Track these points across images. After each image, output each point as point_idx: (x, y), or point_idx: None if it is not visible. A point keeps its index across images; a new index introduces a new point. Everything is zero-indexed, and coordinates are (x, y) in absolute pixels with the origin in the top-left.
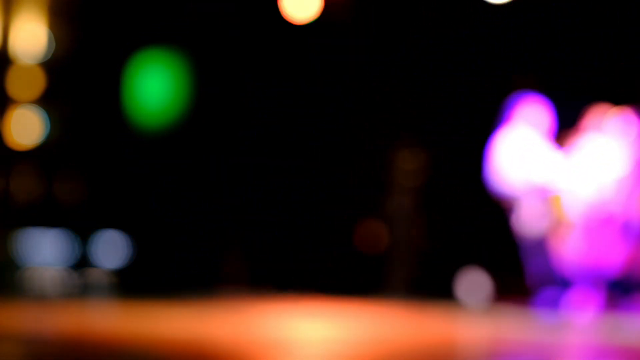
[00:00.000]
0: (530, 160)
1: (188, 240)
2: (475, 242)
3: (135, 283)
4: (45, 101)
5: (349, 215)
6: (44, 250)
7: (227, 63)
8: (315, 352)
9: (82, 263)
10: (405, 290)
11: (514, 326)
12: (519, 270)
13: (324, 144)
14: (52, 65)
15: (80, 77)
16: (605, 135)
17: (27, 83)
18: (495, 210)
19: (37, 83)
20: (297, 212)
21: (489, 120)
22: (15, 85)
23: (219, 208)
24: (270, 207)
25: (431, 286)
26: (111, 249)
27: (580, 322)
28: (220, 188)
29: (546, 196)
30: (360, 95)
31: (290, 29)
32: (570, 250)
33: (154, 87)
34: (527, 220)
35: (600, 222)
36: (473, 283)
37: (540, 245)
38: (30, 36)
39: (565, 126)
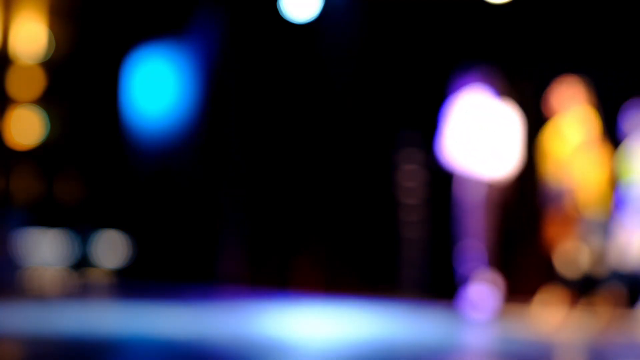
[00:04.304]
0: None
1: (188, 240)
2: None
3: (135, 283)
4: (45, 101)
5: (349, 214)
6: (44, 250)
7: (227, 63)
8: (315, 352)
9: (82, 263)
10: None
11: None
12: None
13: (322, 143)
14: (52, 65)
15: (80, 77)
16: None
17: (27, 83)
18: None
19: (37, 83)
20: (295, 211)
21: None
22: (15, 85)
23: (219, 207)
24: (269, 206)
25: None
26: (111, 249)
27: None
28: (220, 187)
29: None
30: (359, 95)
31: (290, 28)
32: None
33: (154, 86)
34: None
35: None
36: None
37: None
38: (30, 36)
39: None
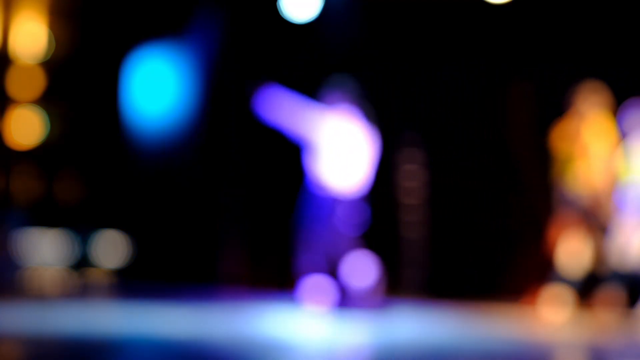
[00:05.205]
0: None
1: (188, 240)
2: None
3: (135, 283)
4: (45, 101)
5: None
6: (44, 250)
7: (227, 63)
8: (315, 352)
9: (82, 263)
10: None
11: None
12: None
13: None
14: (52, 65)
15: (80, 77)
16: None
17: (27, 83)
18: None
19: (37, 83)
20: (295, 211)
21: (488, 118)
22: (15, 85)
23: (219, 207)
24: (269, 206)
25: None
26: (111, 249)
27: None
28: (220, 187)
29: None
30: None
31: (290, 28)
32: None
33: (154, 86)
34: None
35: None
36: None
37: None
38: (30, 36)
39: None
